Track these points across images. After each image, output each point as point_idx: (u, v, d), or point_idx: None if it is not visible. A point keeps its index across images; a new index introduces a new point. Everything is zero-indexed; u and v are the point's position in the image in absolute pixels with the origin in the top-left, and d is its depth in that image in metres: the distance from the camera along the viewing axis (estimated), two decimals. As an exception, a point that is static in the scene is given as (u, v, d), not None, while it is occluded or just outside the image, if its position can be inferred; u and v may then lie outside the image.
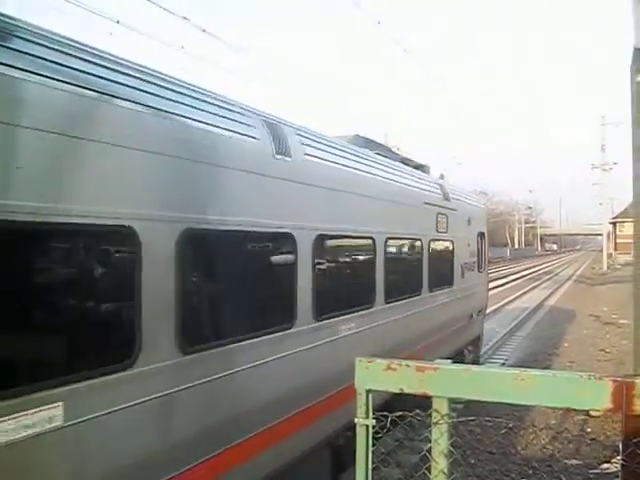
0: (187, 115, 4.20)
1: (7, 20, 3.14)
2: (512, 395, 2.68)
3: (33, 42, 3.21)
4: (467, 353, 12.31)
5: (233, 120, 4.76)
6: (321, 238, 5.79)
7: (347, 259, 7.10)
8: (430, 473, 2.79)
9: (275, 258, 5.45)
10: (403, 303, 8.00)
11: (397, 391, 2.81)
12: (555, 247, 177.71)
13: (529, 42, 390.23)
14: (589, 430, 8.82)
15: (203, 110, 4.43)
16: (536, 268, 60.66)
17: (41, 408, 3.00)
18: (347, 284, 6.84)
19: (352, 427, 2.94)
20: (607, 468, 7.29)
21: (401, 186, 8.32)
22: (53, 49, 3.32)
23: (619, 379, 2.48)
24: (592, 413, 8.70)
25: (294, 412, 5.27)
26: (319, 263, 5.77)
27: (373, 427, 2.84)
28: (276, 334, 5.03)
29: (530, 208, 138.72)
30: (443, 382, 2.74)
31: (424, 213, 9.24)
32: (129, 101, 3.69)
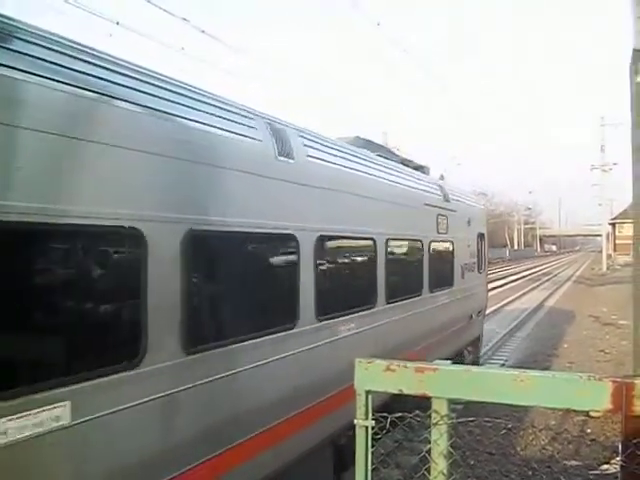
0: (192, 118, 4.24)
1: (6, 21, 3.14)
2: (511, 396, 2.68)
3: (32, 43, 3.21)
4: (467, 354, 12.32)
5: (236, 122, 4.80)
6: (323, 239, 5.83)
7: (348, 260, 7.12)
8: (430, 474, 2.79)
9: (278, 259, 5.48)
10: (404, 304, 8.02)
11: (396, 392, 2.81)
12: (554, 248, 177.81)
13: (529, 42, 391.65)
14: (589, 431, 8.82)
15: (207, 112, 4.47)
16: (535, 269, 60.65)
17: (49, 407, 3.04)
18: (348, 284, 6.87)
19: (354, 427, 2.94)
20: (607, 469, 7.29)
21: (402, 187, 8.36)
22: (52, 50, 3.32)
23: (619, 380, 2.48)
24: (592, 414, 8.70)
25: (296, 412, 5.29)
26: (321, 264, 5.81)
27: (372, 428, 2.84)
28: (279, 334, 5.07)
29: (529, 209, 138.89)
30: (442, 383, 2.74)
31: (424, 214, 9.27)
32: (138, 105, 3.75)
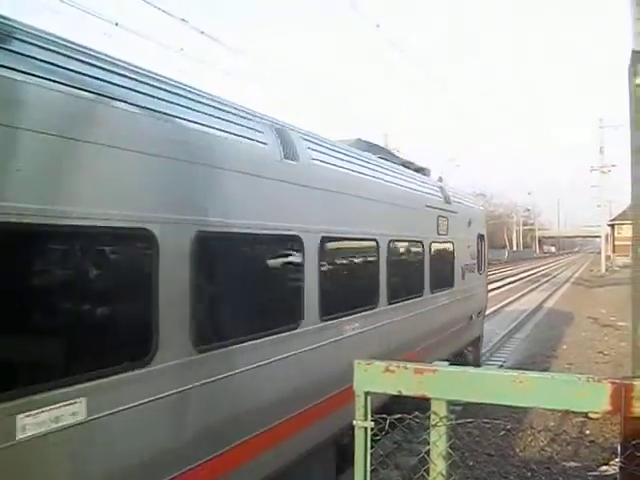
0: (201, 122, 4.33)
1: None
2: (510, 397, 2.68)
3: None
4: (467, 354, 12.33)
5: (243, 126, 4.90)
6: (327, 240, 5.90)
7: (351, 261, 7.19)
8: (429, 475, 2.79)
9: (283, 260, 5.56)
10: (405, 304, 8.09)
11: (395, 393, 2.82)
12: (553, 249, 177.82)
13: (529, 42, 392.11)
14: (587, 432, 8.82)
15: (215, 117, 4.57)
16: (534, 270, 60.66)
17: (66, 403, 3.13)
18: (351, 285, 6.94)
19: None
20: (605, 470, 7.29)
21: (403, 189, 8.44)
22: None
23: (617, 381, 2.49)
24: (591, 415, 8.71)
25: (300, 411, 5.34)
26: (325, 264, 5.88)
27: (372, 429, 2.84)
28: (284, 333, 5.14)
29: (528, 210, 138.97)
30: (441, 384, 2.74)
31: (425, 216, 9.33)
32: (155, 111, 3.88)
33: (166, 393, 3.80)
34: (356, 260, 7.27)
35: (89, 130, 3.37)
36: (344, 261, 6.93)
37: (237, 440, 4.48)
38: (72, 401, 3.16)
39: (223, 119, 4.65)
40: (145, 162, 3.74)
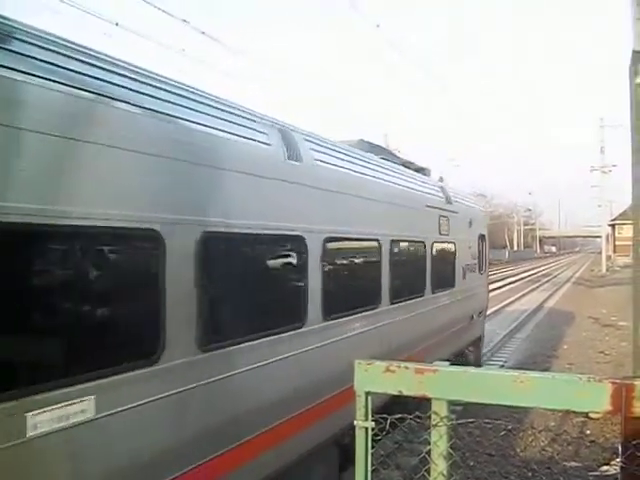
0: (206, 123, 4.37)
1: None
2: (511, 397, 2.69)
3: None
4: (468, 354, 12.33)
5: (247, 127, 4.93)
6: (329, 240, 5.92)
7: (354, 261, 7.21)
8: (429, 475, 2.79)
9: (287, 260, 5.59)
10: (407, 304, 8.11)
11: (396, 393, 2.82)
12: (554, 249, 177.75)
13: (529, 42, 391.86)
14: (588, 432, 8.82)
15: (220, 118, 4.60)
16: (535, 270, 60.63)
17: (76, 401, 3.17)
18: (354, 285, 6.96)
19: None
20: (606, 470, 7.29)
21: (405, 189, 8.47)
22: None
23: (618, 381, 2.49)
24: (591, 415, 8.70)
25: (302, 410, 5.35)
26: (328, 264, 5.90)
27: (372, 429, 2.84)
28: (287, 333, 5.16)
29: (529, 210, 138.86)
30: (442, 384, 2.74)
31: (427, 216, 9.36)
32: (160, 113, 3.91)
33: (172, 392, 3.82)
34: (359, 260, 7.29)
35: (93, 131, 3.38)
36: (347, 261, 6.96)
37: (239, 440, 4.49)
38: (81, 399, 3.20)
39: (228, 121, 4.69)
40: (153, 164, 3.78)
